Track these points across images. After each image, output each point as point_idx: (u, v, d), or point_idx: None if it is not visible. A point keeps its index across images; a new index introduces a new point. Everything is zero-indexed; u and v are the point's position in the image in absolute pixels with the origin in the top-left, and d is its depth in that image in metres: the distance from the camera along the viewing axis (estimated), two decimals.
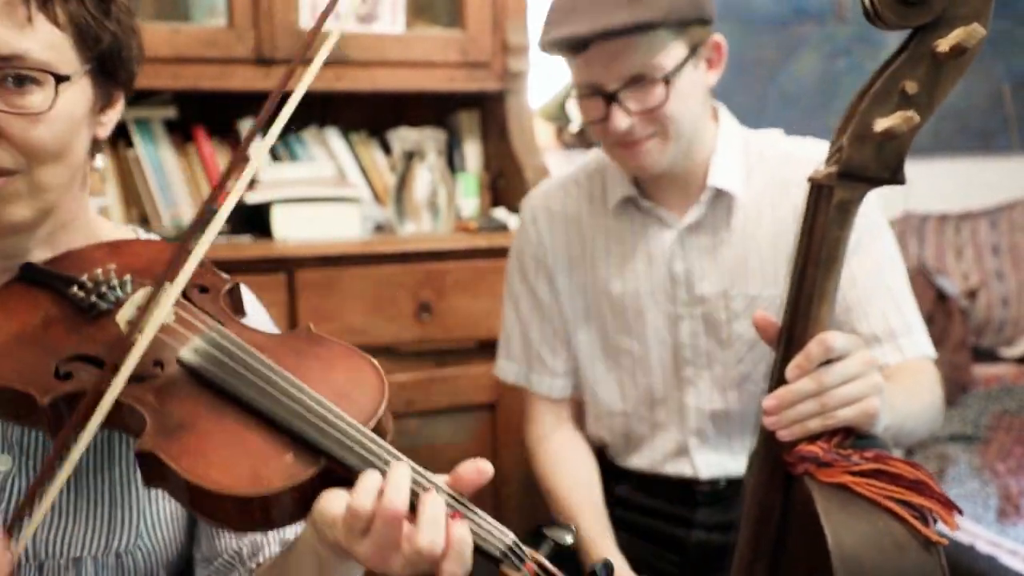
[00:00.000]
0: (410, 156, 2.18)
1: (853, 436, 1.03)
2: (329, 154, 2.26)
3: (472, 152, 2.38)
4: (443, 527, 0.75)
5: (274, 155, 2.22)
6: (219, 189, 0.90)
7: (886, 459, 0.97)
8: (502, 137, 2.29)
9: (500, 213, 2.25)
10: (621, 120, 1.37)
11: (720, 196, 1.48)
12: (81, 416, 0.79)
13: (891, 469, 0.96)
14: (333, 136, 2.27)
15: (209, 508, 0.78)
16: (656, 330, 1.51)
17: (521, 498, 2.10)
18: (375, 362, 0.88)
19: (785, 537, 1.06)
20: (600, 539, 1.46)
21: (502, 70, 2.23)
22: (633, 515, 1.57)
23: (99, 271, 0.92)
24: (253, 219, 2.07)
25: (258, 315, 1.06)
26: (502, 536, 0.78)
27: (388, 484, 0.76)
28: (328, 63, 2.18)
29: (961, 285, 3.51)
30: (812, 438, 1.02)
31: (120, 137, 2.11)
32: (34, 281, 0.93)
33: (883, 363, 1.39)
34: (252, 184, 2.10)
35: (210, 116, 2.18)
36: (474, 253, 2.08)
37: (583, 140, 2.59)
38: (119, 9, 0.93)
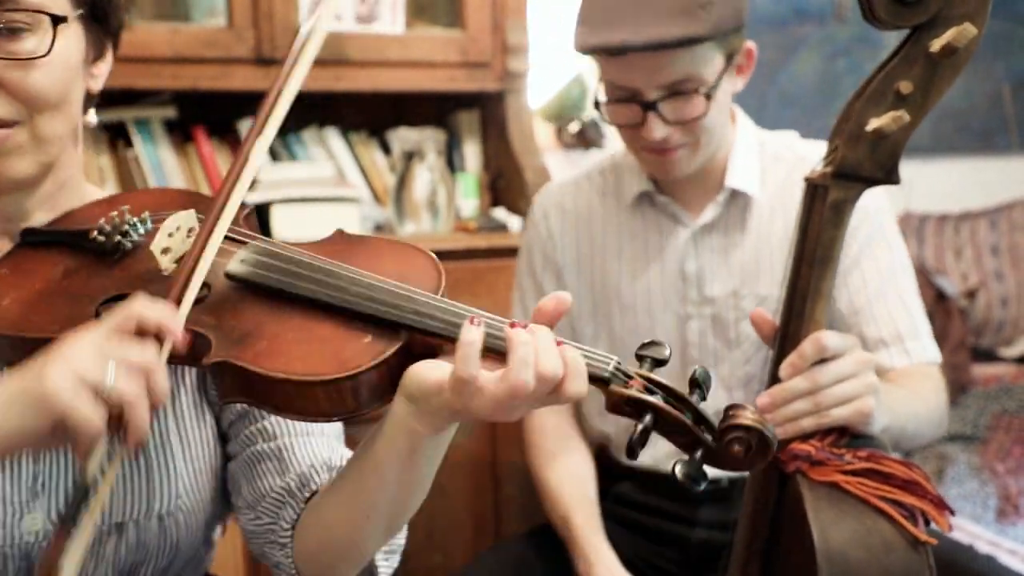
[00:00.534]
0: (410, 156, 2.18)
1: (848, 436, 1.04)
2: (329, 154, 2.26)
3: (472, 152, 2.38)
4: (557, 353, 0.74)
5: (274, 155, 2.22)
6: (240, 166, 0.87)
7: (879, 459, 0.98)
8: (502, 137, 2.29)
9: (500, 213, 2.25)
10: (658, 130, 1.35)
11: (736, 197, 1.48)
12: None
13: (884, 469, 0.96)
14: (333, 136, 2.27)
15: (298, 403, 0.77)
16: (664, 329, 1.51)
17: (522, 497, 2.10)
18: (421, 247, 0.87)
19: (778, 535, 1.06)
20: (591, 535, 1.46)
21: (502, 70, 2.23)
22: (635, 513, 1.57)
23: (114, 214, 0.90)
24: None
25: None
26: (606, 358, 0.79)
27: (538, 342, 0.74)
28: (328, 63, 2.19)
29: (960, 285, 3.51)
30: (806, 437, 1.03)
31: (120, 137, 2.11)
32: (39, 244, 0.91)
33: (889, 366, 1.39)
34: (252, 184, 2.09)
35: (210, 116, 2.18)
36: (474, 253, 2.08)
37: (582, 140, 2.59)
38: None
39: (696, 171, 1.45)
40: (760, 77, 3.48)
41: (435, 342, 0.78)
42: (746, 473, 1.17)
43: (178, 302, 0.78)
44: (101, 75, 0.96)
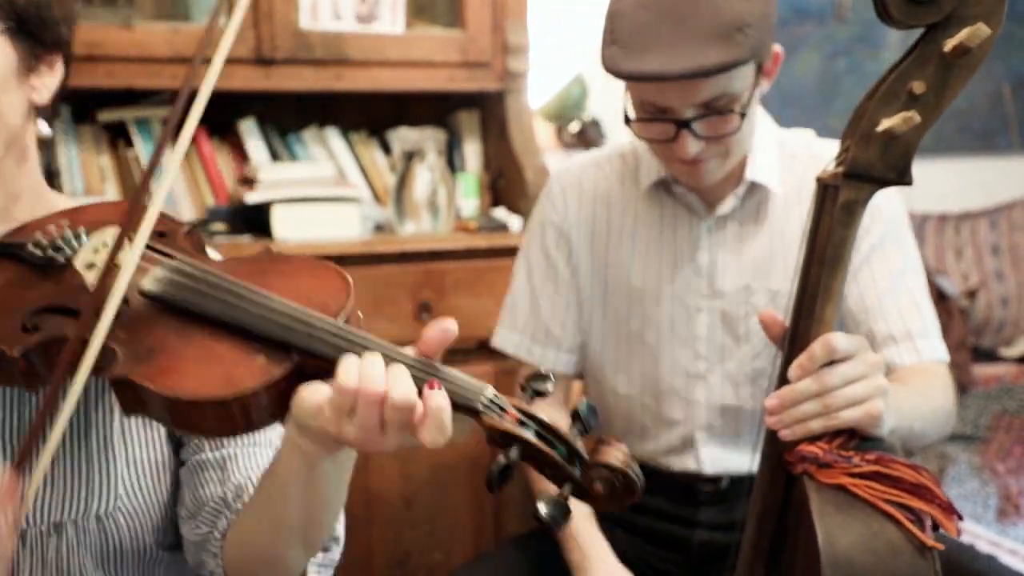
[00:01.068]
0: (410, 156, 2.18)
1: (857, 438, 1.03)
2: (329, 154, 2.26)
3: (472, 152, 2.38)
4: (414, 395, 0.76)
5: (274, 155, 2.22)
6: (158, 154, 0.90)
7: (887, 462, 0.97)
8: (502, 137, 2.29)
9: (500, 213, 2.25)
10: (692, 146, 1.33)
11: (754, 190, 1.47)
12: (66, 361, 0.81)
13: (892, 472, 0.96)
14: (333, 136, 2.27)
15: (191, 420, 0.79)
16: (672, 321, 1.50)
17: (520, 500, 2.10)
18: (338, 267, 0.89)
19: (784, 537, 1.06)
20: (584, 524, 1.45)
21: (502, 70, 2.23)
22: (634, 514, 1.56)
23: (52, 227, 0.93)
24: (253, 219, 2.07)
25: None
26: (480, 390, 0.80)
27: (364, 363, 0.77)
28: (328, 63, 2.19)
29: (961, 285, 3.51)
30: (814, 439, 1.02)
31: (119, 136, 2.11)
32: None
33: (898, 363, 1.39)
34: (252, 184, 2.10)
35: (210, 116, 2.17)
36: (474, 253, 2.08)
37: (583, 140, 2.59)
38: None
39: None
40: None
41: (325, 366, 0.79)
42: (751, 474, 1.17)
43: (96, 313, 0.81)
44: (45, 87, 0.95)
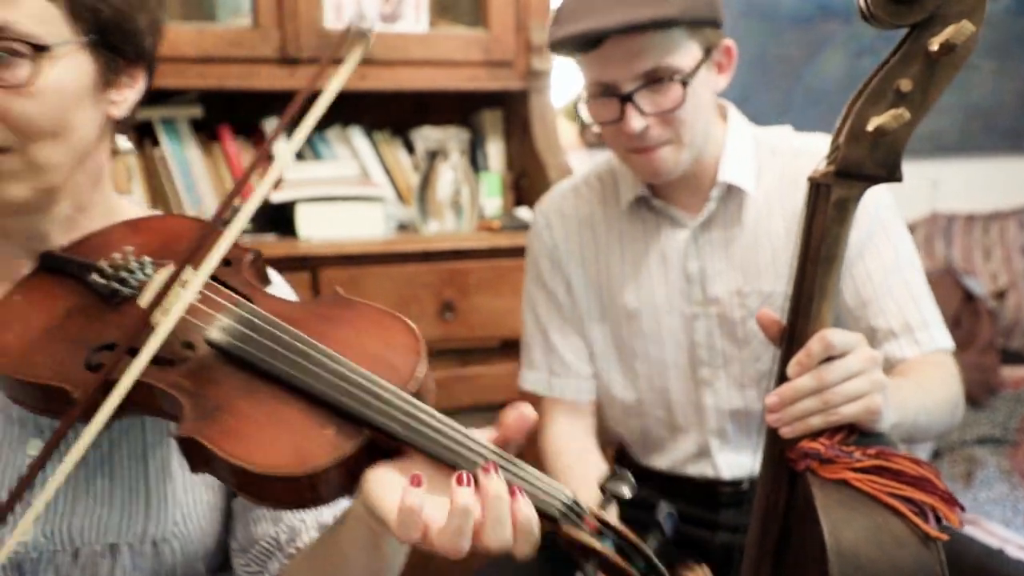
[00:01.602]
0: (433, 155, 2.18)
1: (857, 433, 1.03)
2: (352, 153, 2.27)
3: (495, 151, 2.39)
4: (508, 513, 0.71)
5: (298, 154, 2.23)
6: (243, 182, 0.88)
7: (889, 455, 0.97)
8: (525, 136, 2.29)
9: (523, 212, 2.25)
10: (636, 121, 1.36)
11: (731, 192, 1.47)
12: (96, 400, 0.79)
13: (893, 465, 0.96)
14: (357, 135, 2.28)
15: (257, 490, 0.76)
16: (671, 331, 1.51)
17: None
18: (408, 321, 0.86)
19: (789, 534, 1.06)
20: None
21: (525, 69, 2.23)
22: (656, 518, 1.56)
23: (117, 255, 0.91)
24: (277, 218, 2.09)
25: (281, 286, 1.05)
26: (558, 495, 0.76)
27: (490, 495, 0.71)
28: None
29: (989, 286, 3.47)
30: (815, 435, 1.02)
31: (146, 136, 2.13)
32: (54, 269, 0.92)
33: (900, 357, 1.39)
34: (277, 183, 2.11)
35: (235, 115, 2.19)
36: (497, 252, 2.08)
37: None
38: None
39: (687, 171, 1.45)
40: (785, 75, 3.46)
41: (396, 444, 0.77)
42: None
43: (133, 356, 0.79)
44: (124, 100, 0.93)
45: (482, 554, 0.73)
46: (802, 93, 3.32)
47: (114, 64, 0.91)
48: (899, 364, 1.38)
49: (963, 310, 3.08)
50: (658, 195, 1.50)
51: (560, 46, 1.37)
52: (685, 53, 1.35)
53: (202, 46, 2.00)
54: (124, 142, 0.97)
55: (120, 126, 0.95)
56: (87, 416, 0.81)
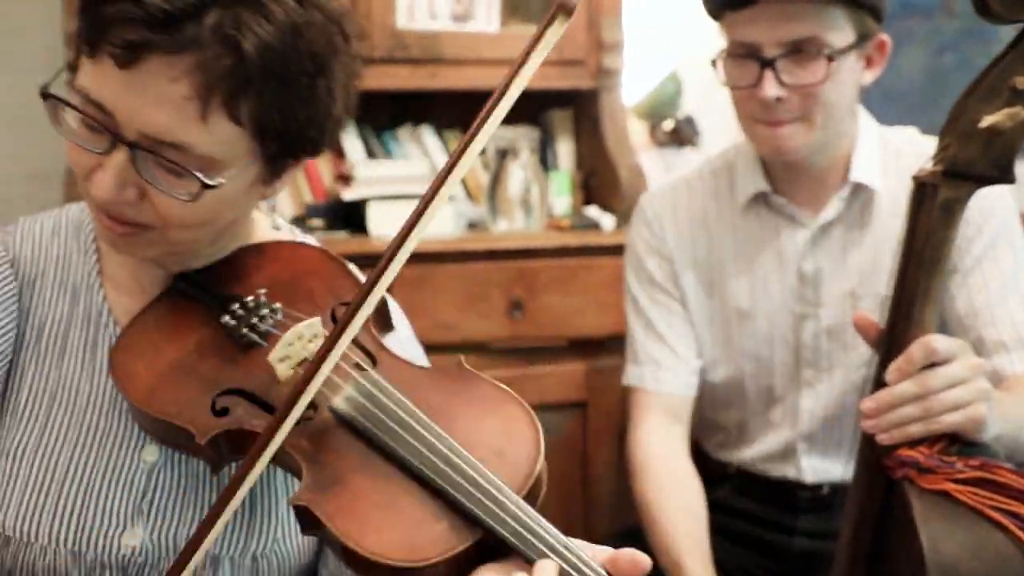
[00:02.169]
0: (503, 154, 2.19)
1: (959, 443, 1.00)
2: (423, 152, 2.29)
3: (565, 150, 2.38)
4: None
5: (369, 152, 2.26)
6: (382, 271, 0.84)
7: (992, 468, 0.94)
8: (595, 135, 2.28)
9: (592, 211, 2.24)
10: (771, 88, 1.31)
11: (859, 192, 1.43)
12: (248, 461, 0.80)
13: (997, 478, 0.93)
14: (427, 134, 2.29)
15: (362, 568, 0.77)
16: (780, 330, 1.47)
17: (611, 500, 2.09)
18: (527, 408, 0.85)
19: (884, 543, 1.03)
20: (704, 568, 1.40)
21: (596, 68, 2.22)
22: (731, 520, 1.53)
23: (250, 299, 0.92)
24: (350, 216, 2.11)
25: (403, 328, 1.05)
26: None
27: None
28: (423, 62, 2.21)
29: None
30: (914, 443, 0.99)
31: None
32: (187, 294, 0.94)
33: (1009, 372, 1.33)
34: (349, 181, 2.14)
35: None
36: (566, 251, 2.07)
37: (677, 138, 2.56)
38: (326, 85, 0.87)
39: (814, 165, 1.41)
40: None
41: (506, 549, 0.77)
42: (849, 480, 1.14)
43: (280, 420, 0.80)
44: (281, 186, 0.93)
45: None
46: (879, 92, 3.25)
47: (281, 164, 0.90)
48: (1007, 379, 1.32)
49: None
50: (779, 191, 1.46)
51: (710, 1, 1.34)
52: (838, 32, 1.31)
53: None
54: (280, 222, 0.98)
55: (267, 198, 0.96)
56: (217, 466, 0.85)
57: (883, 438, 1.01)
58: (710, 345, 1.53)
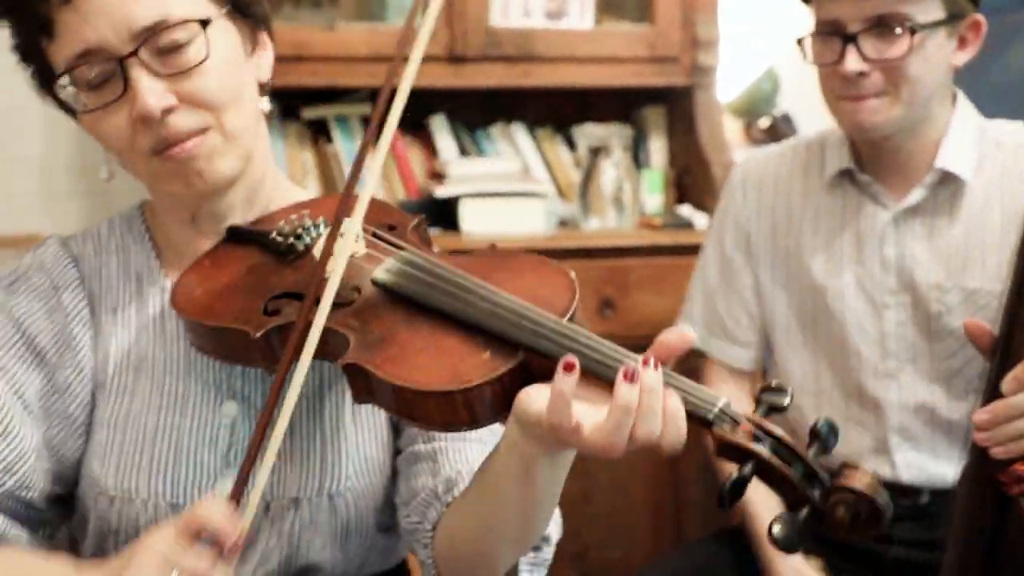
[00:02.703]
0: (595, 152, 2.18)
1: None
2: (515, 149, 2.30)
3: (657, 148, 2.36)
4: (658, 414, 0.74)
5: (462, 150, 2.28)
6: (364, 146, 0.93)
7: None
8: (689, 133, 2.26)
9: (685, 210, 2.22)
10: (852, 62, 1.30)
11: (946, 180, 1.40)
12: (294, 345, 0.84)
13: None
14: (519, 132, 2.30)
15: (415, 410, 0.81)
16: (857, 316, 1.44)
17: (704, 501, 2.06)
18: (561, 266, 0.89)
19: (997, 560, 0.99)
20: (794, 560, 1.41)
21: (690, 65, 2.20)
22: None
23: (293, 217, 0.99)
24: (442, 213, 2.13)
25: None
26: (713, 400, 0.77)
27: (645, 381, 0.74)
28: (517, 59, 2.22)
29: None
30: None
31: (320, 133, 2.21)
32: (239, 240, 1.00)
33: None
34: (441, 179, 2.16)
35: (403, 113, 2.25)
36: (658, 250, 2.06)
37: (773, 136, 2.51)
38: None
39: (902, 147, 1.38)
40: (970, 68, 3.26)
41: (551, 365, 0.77)
42: (953, 489, 1.10)
43: (315, 303, 0.85)
44: (265, 64, 1.00)
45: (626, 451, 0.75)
46: (988, 87, 3.13)
47: (249, 28, 0.98)
48: None
49: None
50: (865, 171, 1.44)
51: None
52: (924, 7, 1.29)
53: (373, 45, 2.06)
54: (265, 104, 1.02)
55: (262, 90, 1.01)
56: (272, 367, 0.88)
57: (998, 452, 0.97)
58: (784, 316, 1.51)
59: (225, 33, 0.94)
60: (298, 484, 0.96)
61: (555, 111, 2.35)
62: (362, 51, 2.06)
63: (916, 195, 1.40)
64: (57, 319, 0.98)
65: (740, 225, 1.54)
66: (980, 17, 1.36)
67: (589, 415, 0.75)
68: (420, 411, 0.80)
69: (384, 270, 0.89)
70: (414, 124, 2.26)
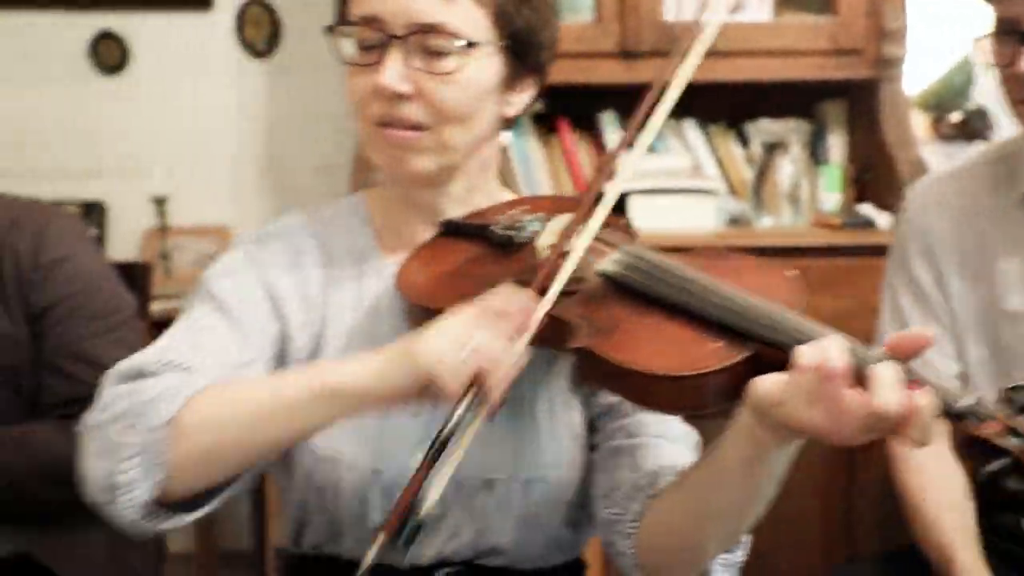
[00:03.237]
0: (771, 148, 2.13)
1: None
2: (685, 146, 2.26)
3: (836, 144, 2.28)
4: (897, 390, 0.75)
5: (631, 146, 2.26)
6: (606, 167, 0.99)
7: None
8: (871, 128, 2.16)
9: (866, 209, 2.13)
10: None
11: None
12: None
13: None
14: (690, 128, 2.26)
15: (644, 393, 0.83)
16: None
17: (880, 512, 1.97)
18: (787, 269, 0.90)
19: None
20: (975, 571, 1.32)
21: (875, 57, 2.10)
22: (1017, 548, 1.40)
23: (513, 211, 1.02)
24: (612, 208, 2.12)
25: None
26: (958, 395, 0.76)
27: (823, 346, 0.77)
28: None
29: None
30: None
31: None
32: (453, 233, 1.04)
33: None
34: (610, 176, 2.14)
35: (573, 109, 2.25)
36: (835, 251, 1.99)
37: (965, 131, 2.37)
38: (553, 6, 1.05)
39: None
40: None
41: (785, 356, 0.78)
42: None
43: (543, 291, 0.88)
44: (518, 103, 1.05)
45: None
46: None
47: (517, 70, 1.03)
48: None
49: None
50: None
51: None
52: None
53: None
54: (507, 136, 1.08)
55: (507, 124, 1.06)
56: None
57: None
58: (976, 352, 1.40)
59: (488, 60, 0.99)
60: (494, 466, 0.99)
61: (728, 106, 2.30)
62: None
63: None
64: (297, 278, 1.05)
65: (926, 253, 1.43)
66: None
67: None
68: (648, 394, 0.83)
69: (612, 261, 0.92)
70: (584, 120, 2.26)
